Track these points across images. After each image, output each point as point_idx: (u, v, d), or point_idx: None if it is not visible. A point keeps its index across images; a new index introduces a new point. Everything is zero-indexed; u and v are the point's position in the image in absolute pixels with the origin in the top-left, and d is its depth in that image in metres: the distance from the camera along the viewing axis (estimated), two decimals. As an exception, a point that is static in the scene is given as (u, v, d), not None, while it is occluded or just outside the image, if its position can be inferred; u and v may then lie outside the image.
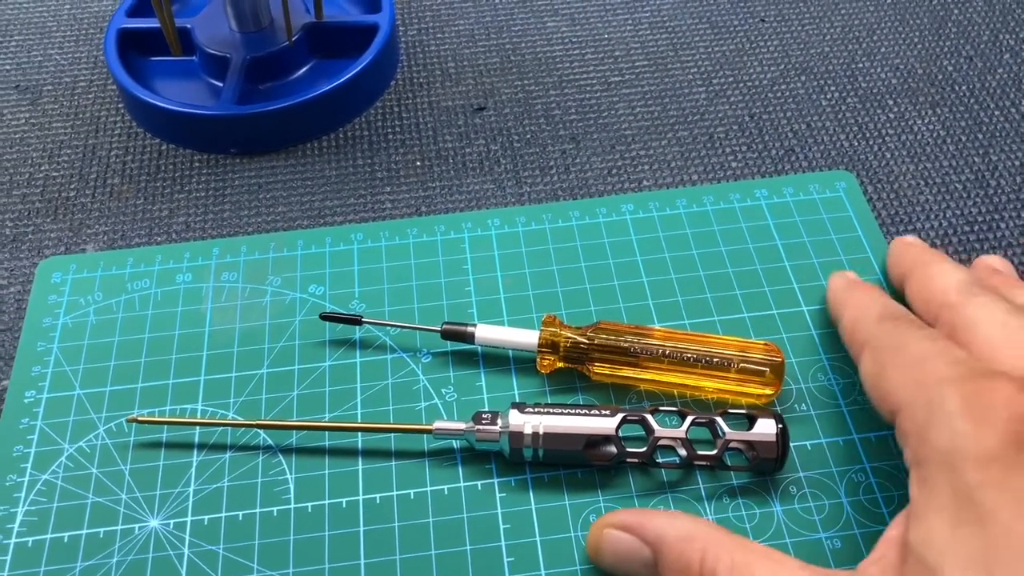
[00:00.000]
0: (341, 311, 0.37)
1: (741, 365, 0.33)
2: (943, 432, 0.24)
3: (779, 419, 0.31)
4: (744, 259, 0.39)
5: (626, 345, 0.33)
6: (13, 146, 0.46)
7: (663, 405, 0.33)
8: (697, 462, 0.31)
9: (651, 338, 0.34)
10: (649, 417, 0.31)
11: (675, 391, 0.34)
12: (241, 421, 0.34)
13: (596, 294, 0.38)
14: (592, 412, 0.32)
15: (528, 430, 0.31)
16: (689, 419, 0.31)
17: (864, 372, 0.30)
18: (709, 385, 0.34)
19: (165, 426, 0.34)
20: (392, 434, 0.33)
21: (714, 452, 0.31)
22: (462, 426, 0.32)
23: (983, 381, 0.25)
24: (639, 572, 0.28)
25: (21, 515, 0.32)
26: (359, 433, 0.34)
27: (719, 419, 0.31)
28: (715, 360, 0.33)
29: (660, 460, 0.32)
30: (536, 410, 0.32)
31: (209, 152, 0.45)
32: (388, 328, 0.37)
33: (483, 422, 0.32)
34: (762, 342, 0.34)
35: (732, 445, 0.31)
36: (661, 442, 0.31)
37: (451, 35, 0.51)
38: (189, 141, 0.46)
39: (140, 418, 0.33)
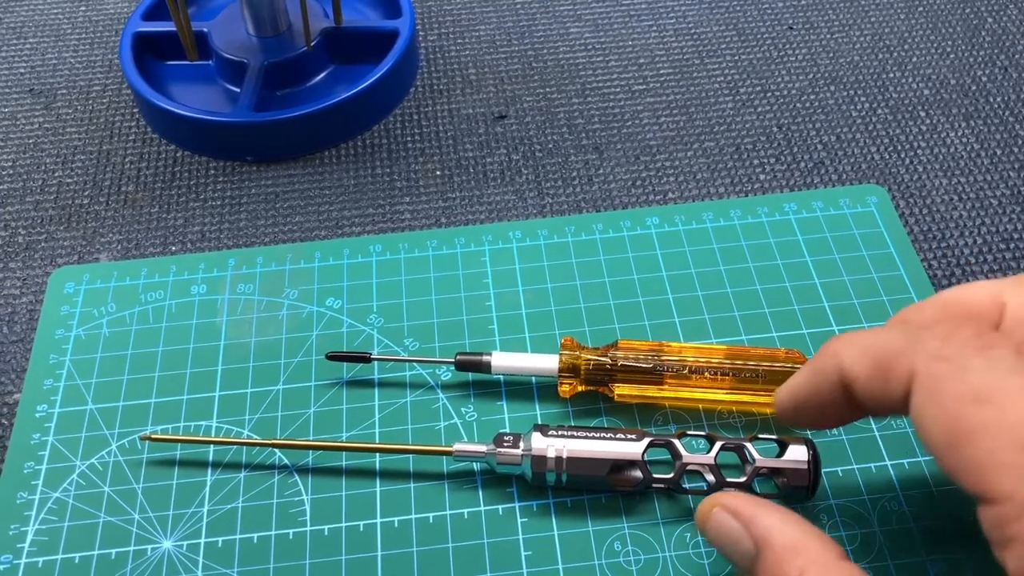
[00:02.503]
0: (348, 350, 0.35)
1: (766, 375, 0.32)
2: None
3: (811, 445, 0.30)
4: (773, 276, 0.38)
5: (649, 364, 0.32)
6: (26, 151, 0.45)
7: (690, 429, 0.32)
8: (725, 489, 0.30)
9: (672, 354, 0.33)
10: (676, 442, 0.30)
11: (700, 406, 0.33)
12: (257, 440, 0.33)
13: (620, 311, 0.37)
14: (617, 436, 0.31)
15: (551, 454, 0.30)
16: (718, 444, 0.30)
17: (924, 420, 0.22)
18: (735, 398, 0.33)
19: (179, 444, 0.33)
20: (411, 455, 0.32)
21: (743, 479, 0.30)
22: (483, 448, 0.31)
23: None
24: (738, 561, 0.26)
25: (32, 534, 0.31)
26: (377, 454, 0.33)
27: (748, 444, 0.30)
28: (741, 372, 0.32)
29: (687, 486, 0.31)
30: (560, 433, 0.31)
31: (225, 159, 0.44)
32: (406, 342, 0.36)
33: (505, 444, 0.31)
34: (784, 349, 0.33)
35: (762, 472, 0.30)
36: (688, 467, 0.30)
37: (472, 41, 0.50)
38: (205, 148, 0.45)
39: (154, 436, 0.33)
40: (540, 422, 0.33)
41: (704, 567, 0.30)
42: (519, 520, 0.31)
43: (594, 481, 0.31)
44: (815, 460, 0.30)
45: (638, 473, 0.30)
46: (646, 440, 0.30)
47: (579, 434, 0.31)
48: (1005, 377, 0.21)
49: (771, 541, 0.25)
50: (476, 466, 0.32)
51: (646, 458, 0.30)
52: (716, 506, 0.27)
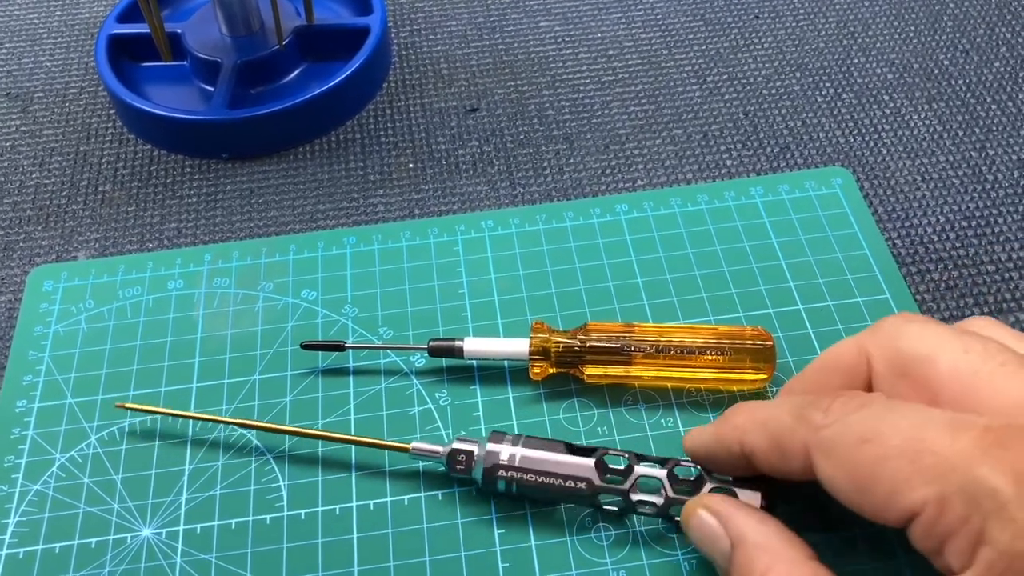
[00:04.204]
0: (323, 339, 0.35)
1: (732, 352, 0.33)
2: (1006, 528, 0.20)
3: (765, 492, 0.28)
4: (739, 258, 0.38)
5: (618, 344, 0.33)
6: (4, 154, 0.46)
7: (660, 406, 0.32)
8: (677, 519, 0.29)
9: (641, 334, 0.33)
10: (628, 482, 0.29)
11: (669, 385, 0.34)
12: (228, 419, 0.33)
13: (590, 295, 0.37)
14: (572, 456, 0.30)
15: (503, 460, 0.30)
16: (668, 489, 0.29)
17: (832, 480, 0.24)
18: (703, 376, 0.33)
19: (157, 436, 0.34)
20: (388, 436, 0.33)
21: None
22: (439, 449, 0.31)
23: (1017, 440, 0.21)
24: (716, 559, 0.27)
25: (12, 526, 0.32)
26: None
27: (704, 487, 0.29)
28: (708, 351, 0.33)
29: (637, 509, 0.30)
30: (515, 446, 0.30)
31: (201, 157, 0.45)
32: (380, 331, 0.36)
33: (459, 460, 0.31)
34: (750, 328, 0.34)
35: None
36: (641, 497, 0.30)
37: (443, 36, 0.51)
38: (180, 146, 0.45)
39: (128, 404, 0.33)
40: (513, 406, 0.34)
41: (674, 540, 0.30)
42: (492, 500, 0.32)
43: (544, 493, 0.30)
44: (770, 508, 0.28)
45: (586, 500, 0.30)
46: (596, 473, 0.29)
47: (534, 450, 0.30)
48: (880, 417, 0.23)
49: (744, 539, 0.26)
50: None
51: (597, 483, 0.29)
52: (699, 506, 0.28)
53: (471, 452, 0.31)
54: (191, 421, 0.34)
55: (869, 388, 0.27)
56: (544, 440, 0.31)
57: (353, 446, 0.33)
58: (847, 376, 0.28)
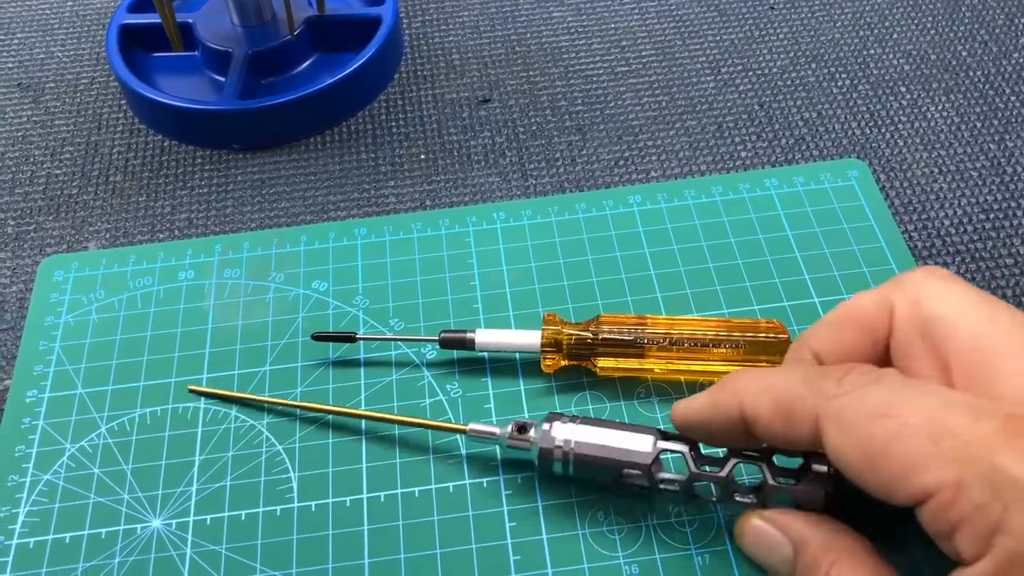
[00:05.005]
0: (334, 331, 0.35)
1: (747, 345, 0.32)
2: None
3: (829, 480, 0.27)
4: (754, 250, 0.38)
5: (630, 337, 0.33)
6: (15, 144, 0.46)
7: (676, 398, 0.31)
8: (738, 498, 0.29)
9: (654, 326, 0.33)
10: (688, 453, 0.29)
11: (682, 378, 0.34)
12: (298, 403, 0.34)
13: (603, 287, 0.37)
14: (631, 433, 0.29)
15: (559, 443, 0.29)
16: (731, 463, 0.28)
17: (841, 453, 0.23)
18: (716, 369, 0.33)
19: (167, 425, 0.33)
20: (397, 429, 0.33)
21: (753, 500, 0.28)
22: (496, 430, 0.31)
23: None
24: (777, 565, 0.27)
25: (23, 516, 0.32)
26: (363, 431, 0.33)
27: (766, 468, 0.28)
28: (722, 343, 0.32)
29: (697, 492, 0.29)
30: (573, 424, 0.30)
31: (212, 148, 0.45)
32: (391, 323, 0.36)
33: (518, 433, 0.30)
34: (765, 320, 0.33)
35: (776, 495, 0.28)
36: (699, 479, 0.29)
37: (455, 27, 0.51)
38: (191, 137, 0.45)
39: (198, 388, 0.34)
40: (524, 399, 0.34)
41: (687, 535, 0.30)
42: (503, 492, 0.31)
43: (601, 475, 0.30)
44: (831, 496, 0.27)
45: (644, 480, 0.29)
46: (657, 445, 0.29)
47: (592, 428, 0.29)
48: (898, 392, 0.23)
49: (807, 542, 0.26)
50: (460, 441, 0.33)
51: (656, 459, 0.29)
52: (753, 517, 0.28)
53: (533, 422, 0.30)
54: (201, 409, 0.34)
55: (887, 345, 0.27)
56: (600, 420, 0.30)
57: (364, 438, 0.33)
58: (865, 332, 0.27)
